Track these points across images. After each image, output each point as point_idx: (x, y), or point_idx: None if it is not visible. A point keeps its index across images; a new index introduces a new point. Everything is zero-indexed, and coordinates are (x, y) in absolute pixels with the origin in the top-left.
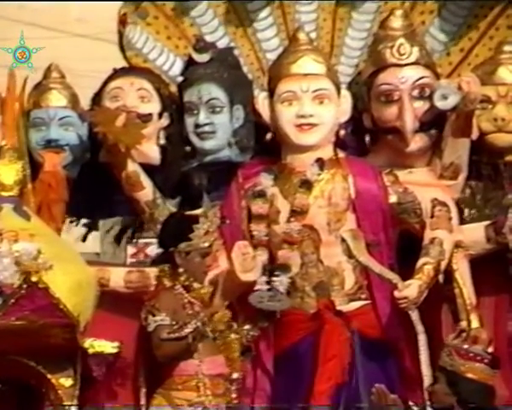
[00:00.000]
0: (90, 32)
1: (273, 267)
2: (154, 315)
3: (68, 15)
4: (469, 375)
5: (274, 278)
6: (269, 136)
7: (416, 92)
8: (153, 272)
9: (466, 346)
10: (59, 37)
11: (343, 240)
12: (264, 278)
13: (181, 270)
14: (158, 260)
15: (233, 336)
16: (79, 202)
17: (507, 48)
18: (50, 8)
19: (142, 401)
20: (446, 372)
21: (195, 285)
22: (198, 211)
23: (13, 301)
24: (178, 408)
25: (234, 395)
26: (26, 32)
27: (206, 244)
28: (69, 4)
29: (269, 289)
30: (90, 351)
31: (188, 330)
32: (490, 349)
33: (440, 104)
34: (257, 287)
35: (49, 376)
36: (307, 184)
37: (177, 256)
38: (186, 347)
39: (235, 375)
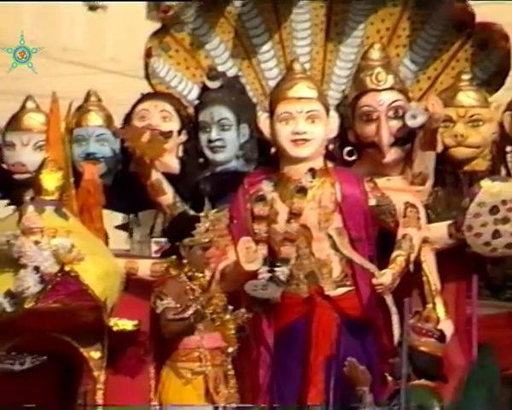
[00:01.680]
0: (122, 68)
1: (275, 260)
2: (161, 299)
3: (103, 55)
4: (422, 348)
5: (276, 269)
6: (273, 150)
7: (391, 113)
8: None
9: (420, 324)
10: (96, 73)
11: (330, 236)
12: (266, 269)
13: (185, 261)
14: (166, 253)
15: (228, 316)
16: (114, 206)
17: (465, 76)
18: (89, 50)
19: (151, 372)
20: (402, 346)
21: (197, 274)
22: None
23: (50, 287)
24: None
25: (229, 367)
26: (70, 69)
27: (206, 240)
28: (105, 46)
29: (270, 278)
30: (115, 329)
31: (189, 311)
32: (439, 327)
33: (411, 123)
34: (260, 276)
35: (81, 350)
36: (303, 191)
37: (182, 250)
38: (188, 325)
39: (230, 349)
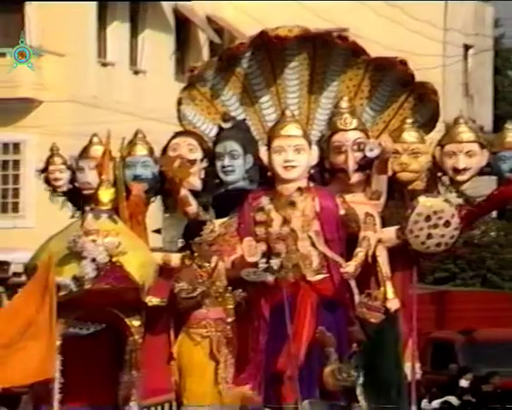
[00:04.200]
0: (159, 116)
1: (271, 254)
2: (178, 283)
3: (144, 106)
4: (372, 320)
5: (271, 260)
6: (270, 173)
7: (355, 147)
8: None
9: (370, 302)
10: (139, 119)
11: (310, 237)
12: (264, 260)
13: (196, 255)
14: (183, 248)
15: (228, 295)
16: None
17: (408, 121)
18: (134, 103)
19: (172, 335)
20: (359, 319)
21: (204, 264)
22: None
23: (102, 273)
24: None
25: (229, 333)
26: (121, 117)
27: (211, 238)
28: (145, 100)
29: (267, 268)
30: (149, 304)
31: (197, 292)
32: (388, 304)
33: (369, 154)
34: (260, 265)
35: (125, 319)
36: (293, 204)
37: (193, 245)
38: (197, 302)
39: (229, 319)
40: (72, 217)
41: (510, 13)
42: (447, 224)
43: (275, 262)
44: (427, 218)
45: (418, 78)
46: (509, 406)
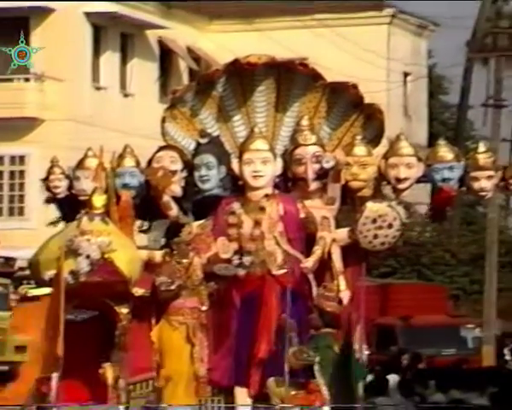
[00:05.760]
0: (145, 133)
1: (243, 252)
2: (159, 276)
3: (132, 124)
4: (328, 309)
5: (243, 258)
6: (241, 182)
7: (314, 159)
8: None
9: (326, 293)
10: (126, 136)
11: (275, 237)
12: (237, 257)
13: (175, 252)
14: (165, 246)
15: (202, 287)
16: (139, 218)
17: (358, 137)
18: (121, 120)
19: (153, 322)
20: (317, 307)
21: (182, 261)
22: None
23: (95, 268)
24: None
25: (204, 320)
26: (112, 134)
27: (189, 239)
28: (133, 118)
29: (239, 264)
30: (136, 294)
31: (175, 285)
32: (340, 294)
33: (325, 165)
34: (234, 262)
35: (115, 307)
36: (263, 209)
37: (173, 244)
38: (175, 294)
39: (204, 308)
40: (52, 224)
41: (441, 45)
42: (390, 226)
43: (247, 259)
44: (374, 220)
45: (366, 100)
46: (440, 380)
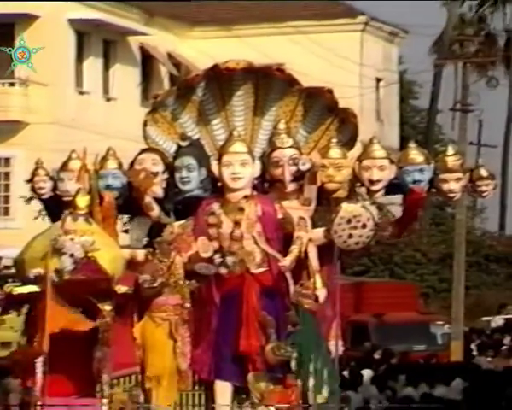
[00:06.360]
0: (127, 136)
1: (225, 252)
2: (142, 274)
3: (115, 127)
4: (305, 306)
5: (226, 258)
6: (220, 184)
7: (290, 162)
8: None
9: (303, 291)
10: (109, 139)
11: (254, 237)
12: (218, 255)
13: (157, 251)
14: (147, 246)
15: (183, 284)
16: (121, 217)
17: (333, 140)
18: (106, 124)
19: (136, 319)
20: (294, 305)
21: (164, 259)
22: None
23: (79, 266)
24: None
25: (186, 317)
26: (96, 137)
27: (170, 238)
28: (116, 122)
29: (221, 263)
30: (119, 292)
31: (157, 282)
32: (316, 292)
33: (302, 168)
34: (215, 261)
35: (99, 304)
36: (242, 210)
37: (155, 244)
38: (157, 291)
39: (186, 304)
40: (36, 218)
41: (411, 52)
42: (364, 226)
43: (229, 259)
44: (348, 221)
45: (341, 104)
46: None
